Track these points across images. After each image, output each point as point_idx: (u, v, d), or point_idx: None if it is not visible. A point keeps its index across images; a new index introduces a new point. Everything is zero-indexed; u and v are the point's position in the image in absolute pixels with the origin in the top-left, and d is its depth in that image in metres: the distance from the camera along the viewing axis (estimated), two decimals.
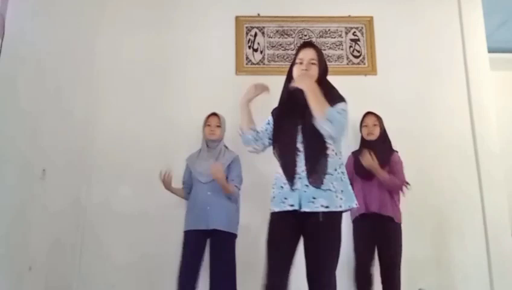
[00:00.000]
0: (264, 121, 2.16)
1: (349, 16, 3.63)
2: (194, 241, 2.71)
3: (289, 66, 2.10)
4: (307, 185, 1.87)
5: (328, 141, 1.91)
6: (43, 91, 2.57)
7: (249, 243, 2.92)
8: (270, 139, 2.09)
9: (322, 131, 1.86)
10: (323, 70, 2.04)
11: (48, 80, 2.64)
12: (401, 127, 3.41)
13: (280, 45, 3.57)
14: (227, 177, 2.76)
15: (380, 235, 2.78)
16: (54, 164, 2.71)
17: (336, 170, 1.92)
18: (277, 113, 2.09)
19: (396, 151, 2.93)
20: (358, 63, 3.55)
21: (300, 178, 1.89)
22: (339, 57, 3.56)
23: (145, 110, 3.38)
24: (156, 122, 3.34)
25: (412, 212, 3.25)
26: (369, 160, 2.69)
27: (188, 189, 2.89)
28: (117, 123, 3.35)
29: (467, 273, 3.18)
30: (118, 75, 3.44)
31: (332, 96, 1.96)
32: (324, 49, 3.57)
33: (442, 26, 3.63)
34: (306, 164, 1.89)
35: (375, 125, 2.95)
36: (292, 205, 1.88)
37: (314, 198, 1.85)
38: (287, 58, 3.52)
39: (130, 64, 3.46)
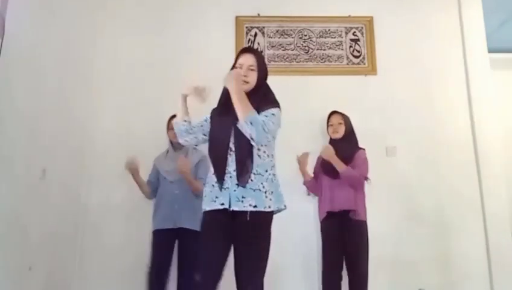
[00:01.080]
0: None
1: (349, 16, 3.63)
2: (163, 241, 2.75)
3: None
4: (237, 185, 1.89)
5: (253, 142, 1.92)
6: (43, 91, 2.57)
7: None
8: (204, 135, 2.12)
9: (244, 133, 1.89)
10: (262, 76, 2.07)
11: (48, 80, 2.64)
12: (401, 127, 3.42)
13: (280, 44, 3.57)
14: (195, 176, 2.80)
15: (346, 232, 2.77)
16: (54, 164, 2.71)
17: (267, 171, 1.94)
18: (215, 113, 2.11)
19: (363, 149, 2.93)
20: (358, 63, 3.55)
21: (231, 177, 1.91)
22: (339, 57, 3.56)
23: (145, 110, 3.38)
24: (155, 122, 3.33)
25: (412, 212, 3.26)
26: (326, 151, 2.79)
27: (152, 189, 2.92)
28: (117, 123, 3.35)
29: (467, 273, 3.18)
30: (118, 75, 3.44)
31: (267, 100, 2.00)
32: (324, 49, 3.57)
33: (442, 26, 3.63)
34: (236, 164, 1.91)
35: (340, 124, 2.96)
36: (222, 204, 1.90)
37: (243, 197, 1.88)
38: (287, 58, 3.52)
39: (129, 64, 3.46)
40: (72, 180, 3.06)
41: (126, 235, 3.14)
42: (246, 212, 1.87)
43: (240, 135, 1.92)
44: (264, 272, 1.88)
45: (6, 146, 2.20)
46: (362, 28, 3.61)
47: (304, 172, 3.05)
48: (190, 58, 3.49)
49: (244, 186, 1.88)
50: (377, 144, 3.35)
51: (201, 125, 2.13)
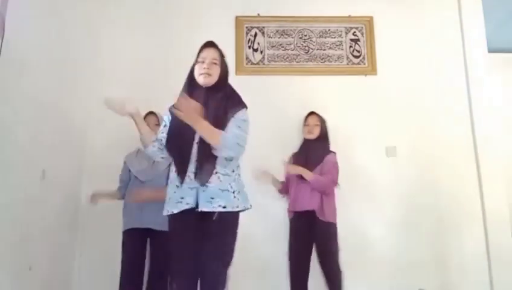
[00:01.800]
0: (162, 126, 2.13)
1: (349, 16, 3.63)
2: (134, 241, 2.74)
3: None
4: (205, 185, 1.88)
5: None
6: (43, 91, 2.57)
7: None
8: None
9: (223, 155, 1.89)
10: (224, 72, 2.06)
11: (48, 80, 2.64)
12: (401, 127, 3.42)
13: (280, 44, 3.57)
14: (166, 178, 2.77)
15: (314, 233, 2.79)
16: (54, 164, 2.71)
17: (233, 171, 1.96)
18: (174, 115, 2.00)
19: (334, 153, 2.93)
20: (358, 63, 3.55)
21: (191, 176, 1.89)
22: (339, 57, 3.56)
23: (145, 110, 3.36)
24: None
25: (412, 213, 3.26)
26: (289, 168, 2.83)
27: (125, 188, 2.90)
28: (117, 123, 3.33)
29: (467, 273, 3.18)
30: (118, 75, 3.44)
31: (233, 102, 2.00)
32: (324, 49, 3.57)
33: (442, 26, 3.64)
34: (196, 163, 1.90)
35: (316, 125, 2.97)
36: (188, 204, 1.88)
37: (212, 198, 1.87)
38: (287, 58, 3.52)
39: (130, 64, 3.46)
40: (72, 180, 3.05)
41: None
42: (214, 212, 1.87)
43: (202, 140, 1.89)
44: (228, 265, 1.90)
45: (7, 146, 2.20)
46: (362, 28, 3.61)
47: (274, 184, 3.05)
48: (190, 58, 3.48)
49: (204, 185, 1.87)
50: (377, 144, 3.36)
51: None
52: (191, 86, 2.04)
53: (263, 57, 3.53)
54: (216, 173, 1.90)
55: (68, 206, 3.00)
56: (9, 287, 2.23)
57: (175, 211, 1.91)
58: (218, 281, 1.86)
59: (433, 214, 3.28)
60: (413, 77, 3.52)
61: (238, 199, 1.93)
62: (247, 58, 3.51)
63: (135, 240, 2.74)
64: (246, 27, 3.58)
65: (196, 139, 1.92)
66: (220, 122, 1.91)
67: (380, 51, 3.55)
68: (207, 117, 1.89)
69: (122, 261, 2.74)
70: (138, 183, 2.80)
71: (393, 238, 3.21)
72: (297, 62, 3.53)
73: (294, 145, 3.11)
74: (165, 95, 3.38)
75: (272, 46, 3.56)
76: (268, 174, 3.03)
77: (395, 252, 3.18)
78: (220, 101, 1.96)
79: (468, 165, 3.37)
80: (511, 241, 3.23)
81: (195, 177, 1.88)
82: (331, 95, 3.42)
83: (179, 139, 1.96)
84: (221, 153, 1.88)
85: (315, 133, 2.96)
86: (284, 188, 3.05)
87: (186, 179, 1.89)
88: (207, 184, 1.87)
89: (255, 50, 3.54)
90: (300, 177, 2.83)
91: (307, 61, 3.54)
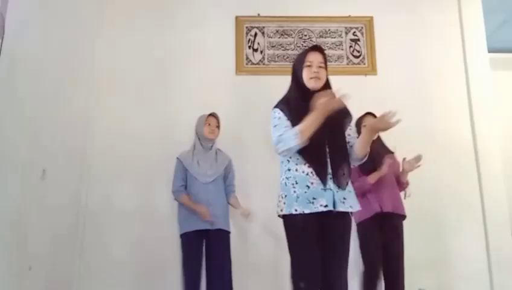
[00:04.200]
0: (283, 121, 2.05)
1: (349, 16, 3.63)
2: (196, 243, 2.73)
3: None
4: (338, 186, 1.92)
5: (348, 144, 2.03)
6: (43, 91, 2.57)
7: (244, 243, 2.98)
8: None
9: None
10: (327, 76, 2.11)
11: (48, 80, 2.64)
12: (401, 127, 3.40)
13: (280, 44, 3.57)
14: (223, 179, 2.87)
15: (389, 233, 2.78)
16: (54, 164, 2.71)
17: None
18: (300, 116, 1.94)
19: (393, 152, 2.97)
20: (358, 63, 3.55)
21: (330, 178, 1.92)
22: (339, 57, 3.56)
23: (145, 110, 3.38)
24: (155, 122, 3.34)
25: (412, 213, 3.24)
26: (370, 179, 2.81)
27: (184, 189, 2.82)
28: (117, 123, 3.35)
29: (467, 273, 3.18)
30: (118, 75, 3.44)
31: (344, 112, 2.09)
32: (324, 49, 3.56)
33: (442, 26, 3.63)
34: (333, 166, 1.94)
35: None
36: (326, 206, 1.87)
37: (345, 199, 1.92)
38: (287, 58, 3.52)
39: (129, 64, 3.46)
40: (72, 180, 3.05)
41: (126, 235, 3.13)
42: (345, 213, 1.92)
43: (334, 139, 1.97)
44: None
45: (7, 146, 2.20)
46: (362, 28, 3.61)
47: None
48: (190, 58, 3.49)
49: (344, 189, 1.93)
50: None
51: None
52: (300, 89, 2.04)
53: (263, 57, 3.53)
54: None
55: (68, 206, 3.00)
56: (9, 287, 2.23)
57: (306, 211, 1.87)
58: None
59: (433, 214, 3.28)
60: (413, 77, 3.52)
61: (356, 201, 2.00)
62: (247, 58, 3.51)
63: (198, 242, 2.73)
64: (246, 27, 3.58)
65: (327, 143, 1.95)
66: (340, 133, 2.02)
67: (380, 51, 3.55)
68: (332, 124, 1.94)
69: (187, 264, 2.69)
70: (199, 185, 2.76)
71: None
72: None
73: None
74: (165, 95, 3.42)
75: (272, 46, 3.56)
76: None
77: None
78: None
79: (468, 164, 3.37)
80: (511, 241, 3.23)
81: (335, 180, 1.91)
82: None
83: (314, 148, 1.93)
84: (355, 162, 2.01)
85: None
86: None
87: (327, 181, 1.90)
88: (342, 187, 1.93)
89: (255, 50, 3.54)
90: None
91: None
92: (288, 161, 1.99)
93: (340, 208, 1.88)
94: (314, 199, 1.87)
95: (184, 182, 2.81)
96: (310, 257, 1.86)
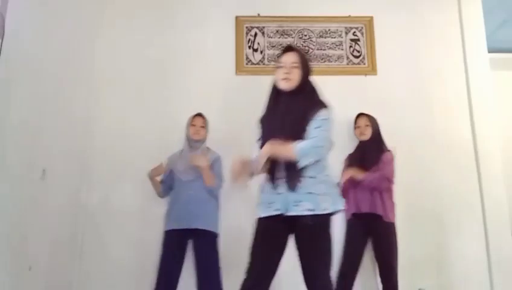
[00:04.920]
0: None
1: (349, 16, 3.63)
2: (176, 241, 2.73)
3: None
4: (291, 189, 1.88)
5: None
6: (43, 91, 2.57)
7: (235, 243, 2.94)
8: None
9: (304, 164, 1.87)
10: (305, 74, 2.03)
11: (48, 80, 2.64)
12: (401, 127, 3.42)
13: (280, 44, 3.56)
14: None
15: (373, 235, 2.82)
16: (54, 164, 2.71)
17: (320, 173, 1.94)
18: (262, 120, 2.09)
19: (389, 151, 2.96)
20: (358, 63, 3.55)
21: (283, 181, 1.91)
22: (339, 57, 3.56)
23: (145, 110, 3.38)
24: (155, 122, 3.34)
25: (412, 212, 3.26)
26: (347, 174, 2.80)
27: (165, 187, 2.91)
28: (117, 123, 3.35)
29: (467, 273, 3.18)
30: (118, 75, 3.44)
31: (313, 102, 1.99)
32: (324, 49, 3.57)
33: (442, 26, 3.63)
34: (286, 169, 1.92)
35: (367, 125, 3.00)
36: (278, 209, 1.89)
37: (299, 201, 1.87)
38: None
39: (129, 64, 3.46)
40: (72, 180, 3.05)
41: (126, 235, 3.14)
42: (304, 216, 1.85)
43: (287, 139, 1.90)
44: (330, 267, 1.90)
45: (6, 146, 2.20)
46: (362, 28, 3.61)
47: None
48: (190, 58, 3.49)
49: (294, 191, 1.88)
50: None
51: None
52: (275, 92, 2.05)
53: (263, 57, 3.53)
54: (303, 176, 1.89)
55: (68, 206, 3.00)
56: (9, 287, 2.23)
57: (262, 215, 1.94)
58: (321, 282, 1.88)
59: (433, 214, 3.28)
60: (413, 77, 3.52)
61: (327, 201, 1.89)
62: (247, 58, 3.51)
63: (178, 241, 2.73)
64: (246, 27, 3.58)
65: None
66: (298, 126, 1.92)
67: (380, 51, 3.55)
68: (288, 122, 1.93)
69: (162, 262, 2.71)
70: (181, 184, 2.79)
71: None
72: None
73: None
74: (165, 95, 3.42)
75: (272, 46, 3.56)
76: None
77: None
78: (299, 104, 1.95)
79: (468, 165, 3.37)
80: (511, 241, 3.23)
81: (285, 182, 1.90)
82: (331, 95, 3.40)
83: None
84: (302, 163, 1.86)
85: (367, 134, 2.98)
86: (343, 193, 3.03)
87: (277, 184, 1.91)
88: (295, 188, 1.88)
89: (255, 50, 3.54)
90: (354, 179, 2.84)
91: None
92: None
93: (292, 211, 1.86)
94: (270, 203, 1.92)
95: (165, 183, 2.91)
96: (256, 256, 1.91)
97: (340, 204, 1.95)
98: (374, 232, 2.83)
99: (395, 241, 2.84)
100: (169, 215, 2.81)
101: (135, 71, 3.45)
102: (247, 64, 3.50)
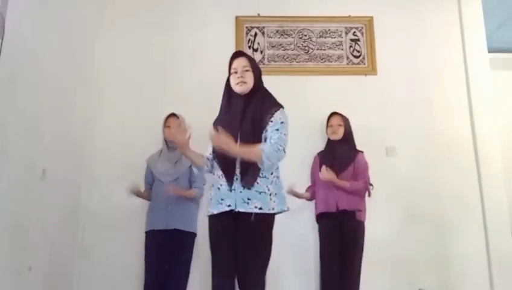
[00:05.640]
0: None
1: (349, 16, 3.63)
2: (157, 242, 2.76)
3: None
4: (243, 187, 1.94)
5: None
6: (43, 91, 2.57)
7: None
8: None
9: (265, 167, 1.93)
10: (258, 76, 2.10)
11: (48, 80, 2.64)
12: (401, 127, 3.42)
13: (280, 44, 3.57)
14: (189, 179, 2.85)
15: (341, 232, 2.80)
16: (54, 164, 2.71)
17: (272, 173, 2.01)
18: (217, 122, 2.10)
19: (362, 152, 2.96)
20: (358, 63, 3.55)
21: (237, 179, 1.95)
22: (339, 57, 3.56)
23: (145, 110, 3.37)
24: (155, 122, 3.32)
25: (412, 212, 3.26)
26: (325, 174, 2.76)
27: (149, 190, 2.93)
28: (117, 123, 3.35)
29: (467, 273, 3.18)
30: (118, 75, 3.44)
31: (269, 104, 2.05)
32: (324, 49, 3.57)
33: (442, 26, 3.63)
34: (241, 167, 1.96)
35: (339, 125, 3.00)
36: (229, 206, 1.94)
37: (249, 199, 1.92)
38: (287, 58, 3.52)
39: (129, 64, 3.46)
40: (72, 180, 3.05)
41: (126, 235, 3.13)
42: (251, 213, 1.92)
43: (245, 141, 1.96)
44: (266, 267, 1.94)
45: (7, 146, 2.20)
46: (362, 28, 3.61)
47: (300, 196, 3.00)
48: (190, 58, 3.49)
49: (250, 189, 1.94)
50: (376, 144, 3.35)
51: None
52: (230, 96, 2.11)
53: (263, 57, 3.53)
54: (258, 176, 1.96)
55: (68, 206, 3.00)
56: (9, 287, 2.23)
57: (215, 212, 1.99)
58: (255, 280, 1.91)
59: (433, 214, 3.27)
60: (413, 77, 3.52)
61: (275, 201, 1.96)
62: None
63: (159, 241, 2.75)
64: (246, 27, 3.58)
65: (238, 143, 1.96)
66: (258, 127, 1.99)
67: (380, 51, 3.55)
68: (245, 123, 1.98)
69: (147, 263, 2.76)
70: (161, 185, 2.81)
71: (393, 238, 3.20)
72: (297, 62, 3.53)
73: (295, 146, 3.09)
74: (165, 95, 3.42)
75: (272, 46, 3.56)
76: (293, 191, 2.93)
77: (395, 252, 3.17)
78: (256, 105, 2.02)
79: (468, 164, 3.37)
80: (511, 241, 3.23)
81: (241, 180, 1.94)
82: (331, 95, 3.42)
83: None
84: (263, 165, 1.92)
85: (339, 134, 2.98)
86: (312, 193, 3.03)
87: (234, 182, 1.95)
88: (250, 187, 1.93)
89: (255, 50, 3.54)
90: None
91: (307, 61, 3.54)
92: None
93: (241, 208, 1.91)
94: (222, 199, 1.96)
95: (149, 184, 2.93)
96: (219, 255, 1.96)
97: (285, 205, 2.03)
98: (344, 229, 2.79)
99: (363, 241, 2.81)
100: (149, 216, 2.86)
101: (135, 71, 3.45)
102: None
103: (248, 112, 2.01)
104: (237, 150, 1.90)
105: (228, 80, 2.13)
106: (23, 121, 2.35)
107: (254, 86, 2.07)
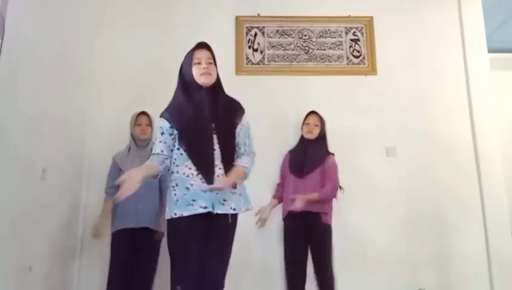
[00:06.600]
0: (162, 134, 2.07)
1: (349, 16, 3.63)
2: (126, 241, 2.73)
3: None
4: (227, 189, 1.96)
5: (236, 146, 2.05)
6: (43, 91, 2.57)
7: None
8: (174, 146, 2.03)
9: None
10: (217, 72, 2.12)
11: (48, 80, 2.64)
12: (401, 127, 3.42)
13: (280, 44, 3.57)
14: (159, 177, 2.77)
15: (310, 233, 2.78)
16: (54, 164, 2.71)
17: None
18: (183, 118, 2.02)
19: (332, 154, 2.95)
20: (358, 63, 3.55)
21: (218, 177, 1.93)
22: (339, 57, 3.56)
23: (145, 110, 3.36)
24: (155, 122, 3.33)
25: (412, 213, 3.26)
26: (298, 205, 2.66)
27: (115, 189, 2.73)
28: (117, 123, 3.34)
29: (467, 273, 3.18)
30: (118, 75, 3.44)
31: (235, 106, 2.10)
32: (324, 49, 3.57)
33: (442, 26, 3.63)
34: (224, 167, 1.96)
35: (316, 125, 2.99)
36: (205, 207, 1.90)
37: (225, 200, 1.94)
38: (287, 58, 3.52)
39: (129, 64, 3.46)
40: (72, 180, 3.05)
41: None
42: (227, 215, 1.94)
43: (223, 137, 1.98)
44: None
45: (6, 146, 2.19)
46: (362, 28, 3.61)
47: (271, 208, 2.99)
48: None
49: (234, 188, 1.99)
50: (376, 144, 3.36)
51: (165, 142, 2.04)
52: (188, 86, 2.07)
53: (263, 57, 3.53)
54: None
55: (68, 206, 3.00)
56: (9, 287, 2.23)
57: (185, 214, 1.91)
58: (223, 281, 1.95)
59: (433, 214, 3.28)
60: (413, 77, 3.52)
61: (241, 201, 2.01)
62: (247, 58, 3.51)
63: (128, 241, 2.73)
64: (246, 27, 3.58)
65: (215, 144, 1.97)
66: (232, 122, 2.04)
67: (380, 51, 3.55)
68: (220, 116, 2.00)
69: (113, 263, 2.73)
70: None
71: (393, 238, 3.20)
72: (297, 62, 3.53)
73: (293, 145, 3.11)
74: (165, 95, 3.41)
75: (272, 46, 3.56)
76: (264, 211, 2.93)
77: (395, 252, 3.18)
78: (225, 99, 2.07)
79: (468, 164, 3.37)
80: (511, 241, 3.23)
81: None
82: (331, 95, 3.42)
83: (200, 144, 1.97)
84: (247, 176, 2.06)
85: (314, 134, 2.97)
86: (280, 197, 3.02)
87: (215, 182, 1.91)
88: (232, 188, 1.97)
89: (255, 50, 3.54)
90: (297, 175, 2.86)
91: (307, 61, 3.54)
92: (174, 162, 2.02)
93: (218, 210, 1.90)
94: (193, 200, 1.90)
95: (111, 187, 2.82)
96: (190, 255, 1.89)
97: (250, 204, 2.08)
98: (311, 232, 2.78)
99: (331, 244, 2.80)
100: (117, 215, 2.80)
101: (135, 71, 3.45)
102: (247, 64, 3.50)
103: (219, 104, 2.02)
104: (232, 180, 1.93)
105: (182, 69, 2.09)
106: (23, 121, 2.35)
107: (217, 79, 2.09)
